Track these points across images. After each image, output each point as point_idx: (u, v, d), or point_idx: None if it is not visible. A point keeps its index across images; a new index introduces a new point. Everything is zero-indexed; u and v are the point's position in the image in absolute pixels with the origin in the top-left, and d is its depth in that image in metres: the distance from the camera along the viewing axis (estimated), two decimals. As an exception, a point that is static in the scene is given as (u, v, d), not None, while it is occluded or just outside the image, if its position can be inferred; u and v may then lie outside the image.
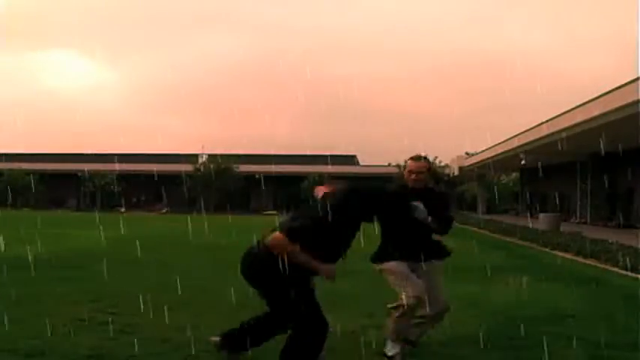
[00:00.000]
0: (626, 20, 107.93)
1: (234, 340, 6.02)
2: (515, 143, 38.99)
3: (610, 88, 24.09)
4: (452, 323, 7.80)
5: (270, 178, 65.76)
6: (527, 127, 36.48)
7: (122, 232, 24.91)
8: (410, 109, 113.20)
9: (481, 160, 51.71)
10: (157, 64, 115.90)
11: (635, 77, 21.76)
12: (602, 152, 33.77)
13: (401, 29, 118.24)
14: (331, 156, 65.86)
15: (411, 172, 6.58)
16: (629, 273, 13.75)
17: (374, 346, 6.77)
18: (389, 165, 63.59)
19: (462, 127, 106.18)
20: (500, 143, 44.15)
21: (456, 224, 8.25)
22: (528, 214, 49.95)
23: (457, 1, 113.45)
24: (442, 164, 63.89)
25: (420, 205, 6.31)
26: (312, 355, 5.43)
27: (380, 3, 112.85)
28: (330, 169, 63.17)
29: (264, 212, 58.70)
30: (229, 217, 46.22)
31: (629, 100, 21.88)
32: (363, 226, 5.67)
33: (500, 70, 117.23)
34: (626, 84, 22.63)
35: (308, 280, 5.59)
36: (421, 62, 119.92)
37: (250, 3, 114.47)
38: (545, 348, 6.76)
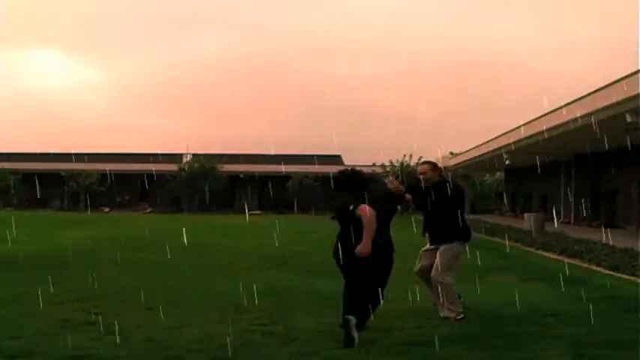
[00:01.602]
0: (614, 22, 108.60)
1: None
2: (499, 143, 39.11)
3: (594, 89, 24.22)
4: (435, 323, 7.84)
5: (254, 177, 65.66)
6: (512, 127, 36.60)
7: (106, 232, 24.85)
8: (396, 109, 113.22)
9: (465, 160, 51.83)
10: (142, 63, 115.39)
11: (617, 78, 21.87)
12: (586, 152, 33.97)
13: (389, 30, 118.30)
14: (316, 156, 65.81)
15: (418, 174, 8.66)
16: (613, 273, 13.83)
17: (359, 345, 6.79)
18: (374, 165, 63.56)
19: (449, 127, 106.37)
20: (484, 143, 44.24)
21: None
22: (513, 214, 50.16)
23: (444, 2, 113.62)
24: (426, 164, 63.88)
25: None
26: None
27: (366, 4, 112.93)
28: (315, 169, 63.13)
29: (249, 212, 58.57)
30: (214, 217, 46.23)
31: (613, 100, 22.01)
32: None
33: (488, 70, 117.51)
34: (609, 84, 22.74)
35: None
36: (407, 62, 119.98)
37: (236, 3, 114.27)
38: (529, 347, 6.80)
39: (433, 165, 8.69)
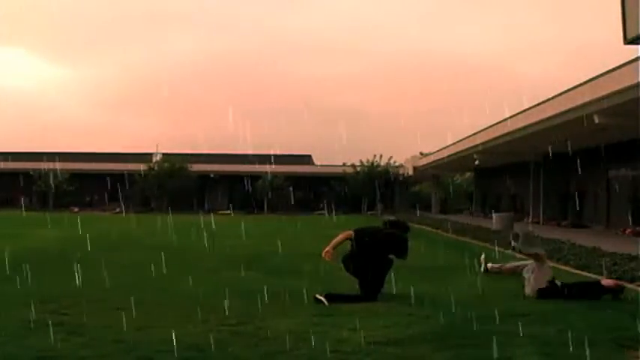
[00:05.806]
0: (577, 23, 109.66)
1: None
2: (469, 144, 39.34)
3: (563, 90, 24.42)
4: (405, 323, 7.83)
5: (224, 177, 65.47)
6: (481, 128, 36.84)
7: (75, 232, 24.60)
8: (365, 108, 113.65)
9: (435, 160, 52.04)
10: (112, 62, 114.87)
11: (586, 79, 22.07)
12: (555, 153, 34.22)
13: (361, 30, 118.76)
14: (286, 155, 65.77)
15: None
16: (580, 272, 13.93)
17: (325, 344, 6.77)
18: (344, 165, 63.63)
19: (418, 127, 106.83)
20: (454, 143, 44.50)
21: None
22: (482, 214, 50.43)
23: (412, 2, 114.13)
24: (396, 164, 64.07)
25: None
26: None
27: (337, 4, 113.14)
28: (284, 168, 63.08)
29: (219, 212, 58.36)
30: (184, 216, 45.98)
31: (581, 101, 22.21)
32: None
33: (455, 70, 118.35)
34: (577, 86, 22.95)
35: None
36: (377, 63, 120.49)
37: (207, 2, 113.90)
38: (498, 347, 6.81)
39: None
